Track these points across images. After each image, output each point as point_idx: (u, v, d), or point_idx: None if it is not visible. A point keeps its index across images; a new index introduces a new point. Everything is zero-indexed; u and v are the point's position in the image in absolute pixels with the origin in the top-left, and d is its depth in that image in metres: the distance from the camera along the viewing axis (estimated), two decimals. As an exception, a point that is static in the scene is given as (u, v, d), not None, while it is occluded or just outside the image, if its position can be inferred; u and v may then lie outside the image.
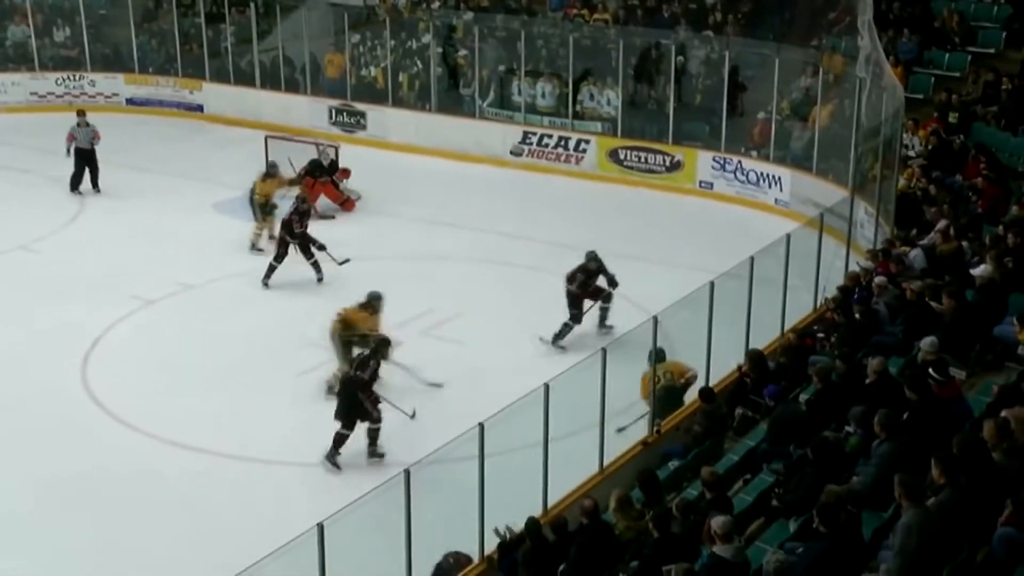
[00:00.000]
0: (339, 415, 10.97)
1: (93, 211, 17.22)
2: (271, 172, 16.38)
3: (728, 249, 13.76)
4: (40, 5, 23.59)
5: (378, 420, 11.00)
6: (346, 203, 17.75)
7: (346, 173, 17.87)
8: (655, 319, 10.45)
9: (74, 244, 16.41)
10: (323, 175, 17.57)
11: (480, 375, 12.59)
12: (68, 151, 18.08)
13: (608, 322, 13.59)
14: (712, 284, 10.96)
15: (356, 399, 10.93)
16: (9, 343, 13.32)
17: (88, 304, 14.21)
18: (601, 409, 9.82)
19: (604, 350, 9.73)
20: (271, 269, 14.89)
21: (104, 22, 23.87)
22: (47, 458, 11.04)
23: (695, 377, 11.22)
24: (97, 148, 18.15)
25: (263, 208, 16.14)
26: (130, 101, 23.10)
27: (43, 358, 12.95)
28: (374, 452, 11.13)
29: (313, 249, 14.86)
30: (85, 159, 18.08)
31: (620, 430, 10.50)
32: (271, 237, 15.73)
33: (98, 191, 18.06)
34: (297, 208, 14.95)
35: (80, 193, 18.08)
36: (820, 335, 11.21)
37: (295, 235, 14.79)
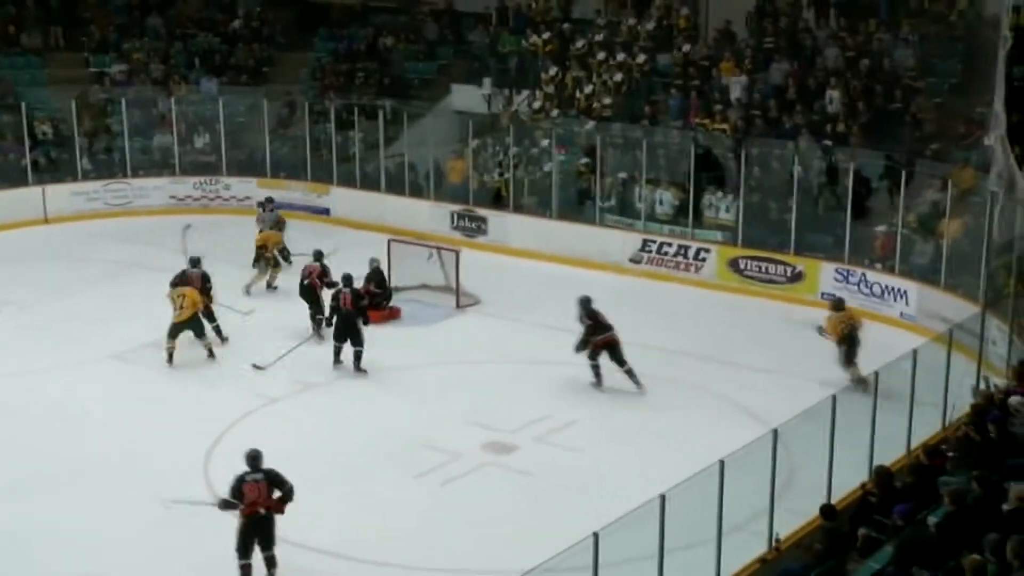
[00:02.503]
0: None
1: (226, 311, 17.83)
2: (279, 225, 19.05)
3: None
4: (184, 114, 24.80)
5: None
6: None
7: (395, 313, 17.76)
8: (775, 432, 10.24)
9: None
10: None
11: (595, 483, 12.46)
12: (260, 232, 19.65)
13: (639, 382, 14.85)
14: (834, 398, 10.71)
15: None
16: (132, 436, 13.63)
17: (213, 400, 14.56)
18: (718, 522, 9.61)
19: (722, 462, 9.55)
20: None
21: (241, 129, 24.95)
22: (167, 545, 11.21)
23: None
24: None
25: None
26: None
27: (167, 451, 13.22)
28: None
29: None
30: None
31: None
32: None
33: (289, 263, 18.84)
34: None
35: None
36: (951, 454, 10.81)
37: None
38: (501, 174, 22.22)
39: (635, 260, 20.33)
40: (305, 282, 16.97)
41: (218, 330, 16.33)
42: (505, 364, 15.97)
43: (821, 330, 15.03)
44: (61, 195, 23.17)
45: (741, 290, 19.20)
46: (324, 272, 17.01)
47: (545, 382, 15.37)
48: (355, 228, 22.56)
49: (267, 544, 10.48)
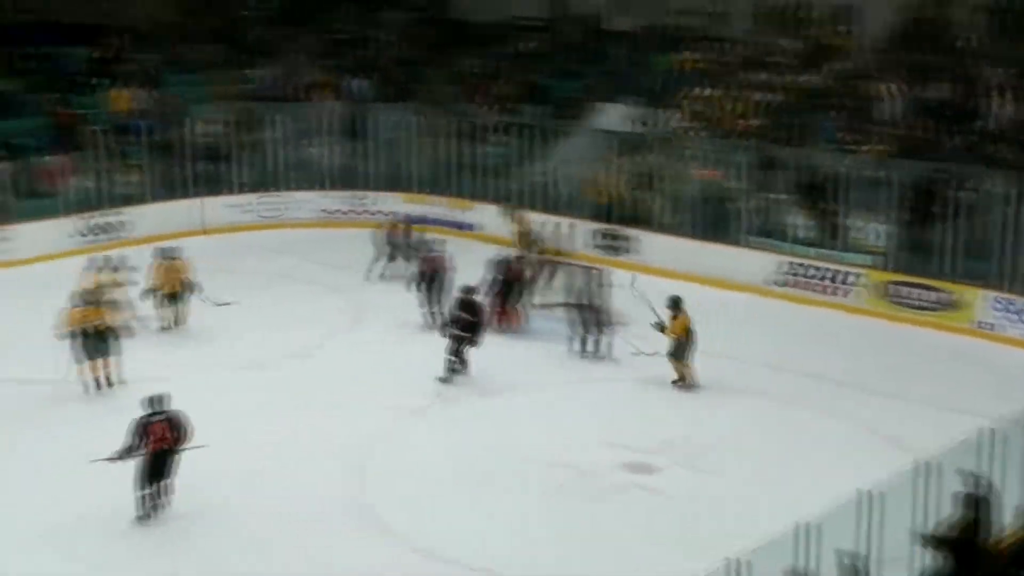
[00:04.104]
0: None
1: (370, 322, 18.04)
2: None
3: (1011, 395, 12.88)
4: (334, 128, 25.31)
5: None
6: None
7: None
8: (925, 465, 9.81)
9: (348, 353, 17.09)
10: None
11: (734, 507, 12.19)
12: None
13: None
14: (993, 431, 10.21)
15: None
16: (277, 448, 13.67)
17: (352, 411, 14.70)
18: (865, 558, 9.24)
19: (869, 492, 9.20)
20: None
21: (388, 145, 25.34)
22: (318, 560, 11.33)
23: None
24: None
25: None
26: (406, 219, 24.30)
27: (309, 463, 13.26)
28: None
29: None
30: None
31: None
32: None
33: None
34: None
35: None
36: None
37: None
38: (635, 189, 22.04)
39: (779, 282, 19.88)
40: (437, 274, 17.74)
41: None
42: (643, 384, 15.79)
43: (660, 325, 15.78)
44: (217, 207, 23.99)
45: (890, 316, 18.56)
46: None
47: (682, 404, 15.13)
48: (498, 244, 22.62)
49: (167, 474, 11.70)
